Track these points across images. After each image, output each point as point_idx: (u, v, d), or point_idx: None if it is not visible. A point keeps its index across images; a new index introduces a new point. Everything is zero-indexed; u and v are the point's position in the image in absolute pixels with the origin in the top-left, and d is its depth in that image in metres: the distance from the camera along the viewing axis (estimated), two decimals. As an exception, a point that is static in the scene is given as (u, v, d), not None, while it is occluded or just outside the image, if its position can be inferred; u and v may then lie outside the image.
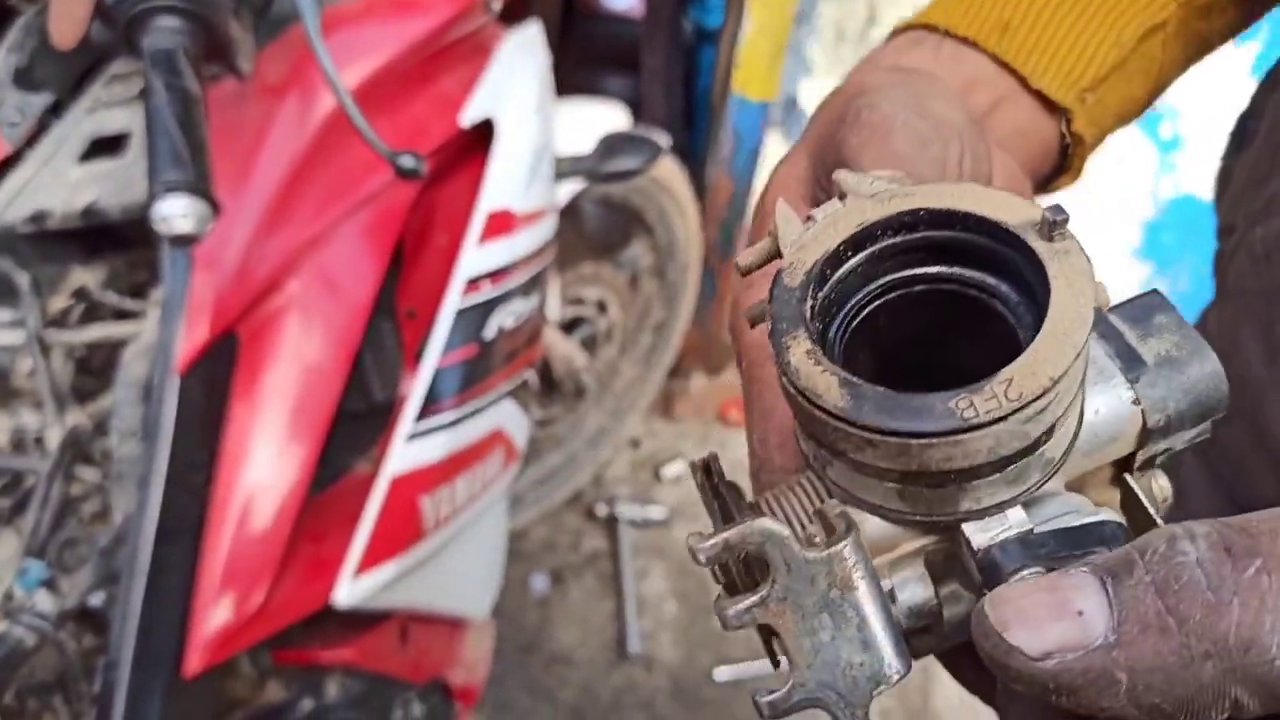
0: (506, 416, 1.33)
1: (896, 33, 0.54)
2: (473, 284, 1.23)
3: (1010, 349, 0.29)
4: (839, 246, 0.32)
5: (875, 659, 0.30)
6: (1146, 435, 0.33)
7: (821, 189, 0.44)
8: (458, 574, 1.32)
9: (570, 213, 1.92)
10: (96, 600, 1.02)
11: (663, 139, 1.62)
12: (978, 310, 0.32)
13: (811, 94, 2.52)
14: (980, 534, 0.30)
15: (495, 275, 1.26)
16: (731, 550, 0.30)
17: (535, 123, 1.32)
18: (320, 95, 1.08)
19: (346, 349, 1.11)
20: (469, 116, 1.23)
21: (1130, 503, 0.34)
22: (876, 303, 0.33)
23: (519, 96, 1.30)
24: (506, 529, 1.50)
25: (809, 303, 0.31)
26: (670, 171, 2.11)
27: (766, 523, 0.30)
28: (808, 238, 0.33)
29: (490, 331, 1.25)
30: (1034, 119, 0.51)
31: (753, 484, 0.41)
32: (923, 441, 0.28)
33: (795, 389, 0.30)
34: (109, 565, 1.01)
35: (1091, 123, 0.52)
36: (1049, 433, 0.29)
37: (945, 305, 0.33)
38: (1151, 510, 0.32)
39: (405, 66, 1.17)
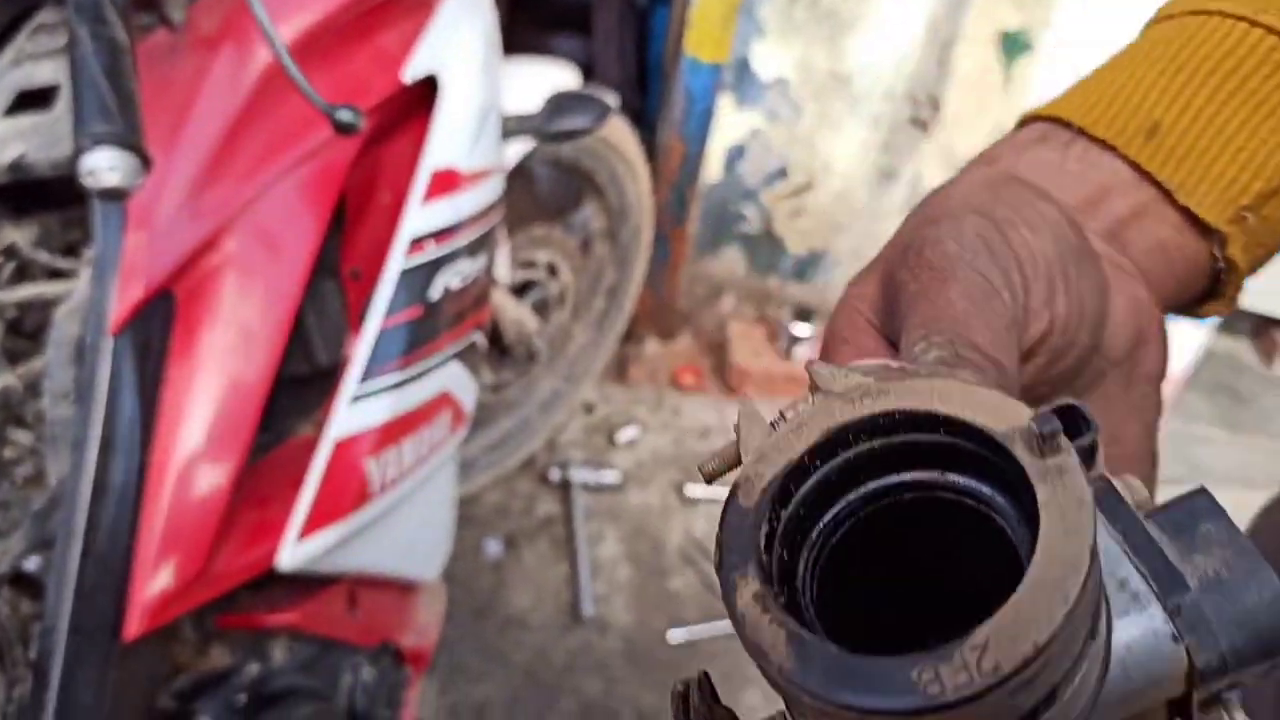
0: (453, 379, 1.32)
1: (1024, 122, 0.46)
2: (417, 244, 1.21)
3: (1014, 570, 0.24)
4: (803, 456, 0.28)
5: None
6: (1197, 675, 0.28)
7: (892, 315, 0.38)
8: (406, 537, 1.31)
9: (521, 175, 1.90)
10: (32, 565, 1.00)
11: (611, 99, 1.60)
12: (977, 522, 0.28)
13: (763, 56, 2.51)
14: None
15: (440, 235, 1.24)
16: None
17: (480, 79, 1.30)
18: (256, 48, 1.05)
19: (286, 309, 1.09)
20: (411, 72, 1.21)
21: None
22: (859, 515, 0.29)
23: (463, 52, 1.28)
24: (456, 492, 1.49)
25: (765, 528, 0.27)
26: (621, 133, 2.10)
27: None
28: (769, 445, 0.28)
29: (436, 292, 1.24)
30: (1180, 237, 0.43)
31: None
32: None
33: (742, 641, 0.26)
34: (44, 529, 0.99)
35: (1250, 246, 0.44)
36: (1050, 698, 0.24)
37: (939, 516, 0.28)
38: None
39: (344, 20, 1.14)
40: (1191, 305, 0.47)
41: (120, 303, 0.97)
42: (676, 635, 2.04)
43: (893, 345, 0.38)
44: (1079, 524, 0.24)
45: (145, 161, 0.80)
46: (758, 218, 2.78)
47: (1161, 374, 0.43)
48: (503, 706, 1.87)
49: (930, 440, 0.27)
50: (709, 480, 0.33)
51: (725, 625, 2.07)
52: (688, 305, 2.91)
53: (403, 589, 1.38)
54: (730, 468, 0.31)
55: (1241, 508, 0.53)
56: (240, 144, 1.07)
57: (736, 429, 0.30)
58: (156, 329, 1.02)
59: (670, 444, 2.52)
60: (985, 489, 0.27)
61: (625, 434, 2.51)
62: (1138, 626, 0.27)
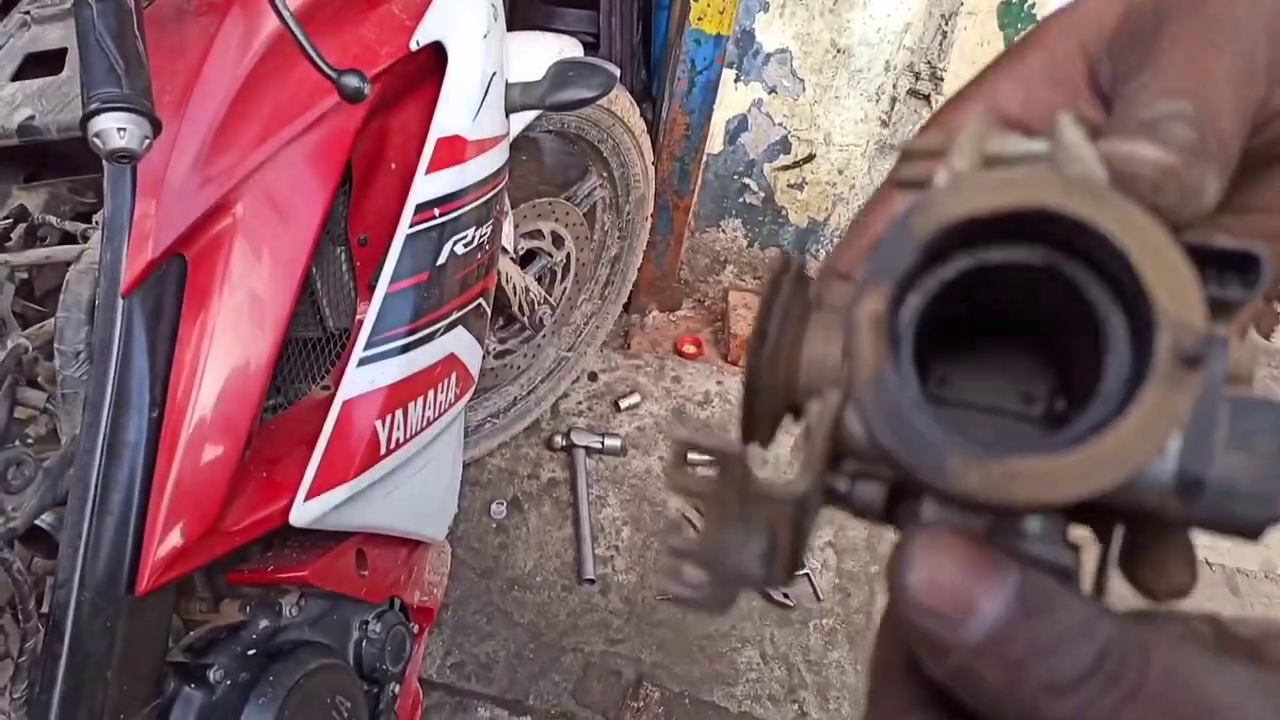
0: (460, 343, 1.34)
1: None
2: (424, 210, 1.23)
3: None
4: (990, 215, 0.27)
5: (764, 572, 0.31)
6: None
7: (1125, 50, 0.33)
8: (414, 496, 1.33)
9: (526, 146, 1.91)
10: (46, 521, 1.03)
11: (614, 69, 1.61)
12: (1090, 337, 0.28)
13: (766, 28, 2.51)
14: None
15: (446, 202, 1.26)
16: (703, 446, 0.30)
17: (486, 48, 1.31)
18: (263, 13, 1.06)
19: (294, 273, 1.11)
20: (419, 39, 1.22)
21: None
22: (998, 270, 0.29)
23: (470, 20, 1.29)
24: (461, 454, 1.52)
25: (920, 259, 0.27)
26: (625, 105, 2.11)
27: (736, 445, 0.30)
28: (973, 181, 0.27)
29: (442, 258, 1.26)
30: None
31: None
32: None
33: (845, 337, 0.28)
34: (57, 486, 1.01)
35: None
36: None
37: (1061, 294, 0.29)
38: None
39: (352, -14, 1.16)
40: None
41: (131, 264, 0.99)
42: (677, 599, 2.07)
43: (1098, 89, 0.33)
44: (1159, 434, 0.25)
45: (154, 124, 0.82)
46: (759, 189, 2.79)
47: None
48: (507, 663, 1.90)
49: (1102, 264, 0.27)
50: (904, 155, 0.31)
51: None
52: (690, 276, 2.93)
53: (410, 547, 1.41)
54: (930, 156, 0.31)
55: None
56: (248, 110, 1.08)
57: (960, 128, 0.29)
58: (169, 290, 1.03)
59: (671, 411, 2.55)
60: (1118, 323, 0.28)
61: (628, 401, 2.53)
62: (1150, 470, 0.28)
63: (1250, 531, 0.29)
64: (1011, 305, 0.31)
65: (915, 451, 0.26)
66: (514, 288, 1.97)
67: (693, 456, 0.31)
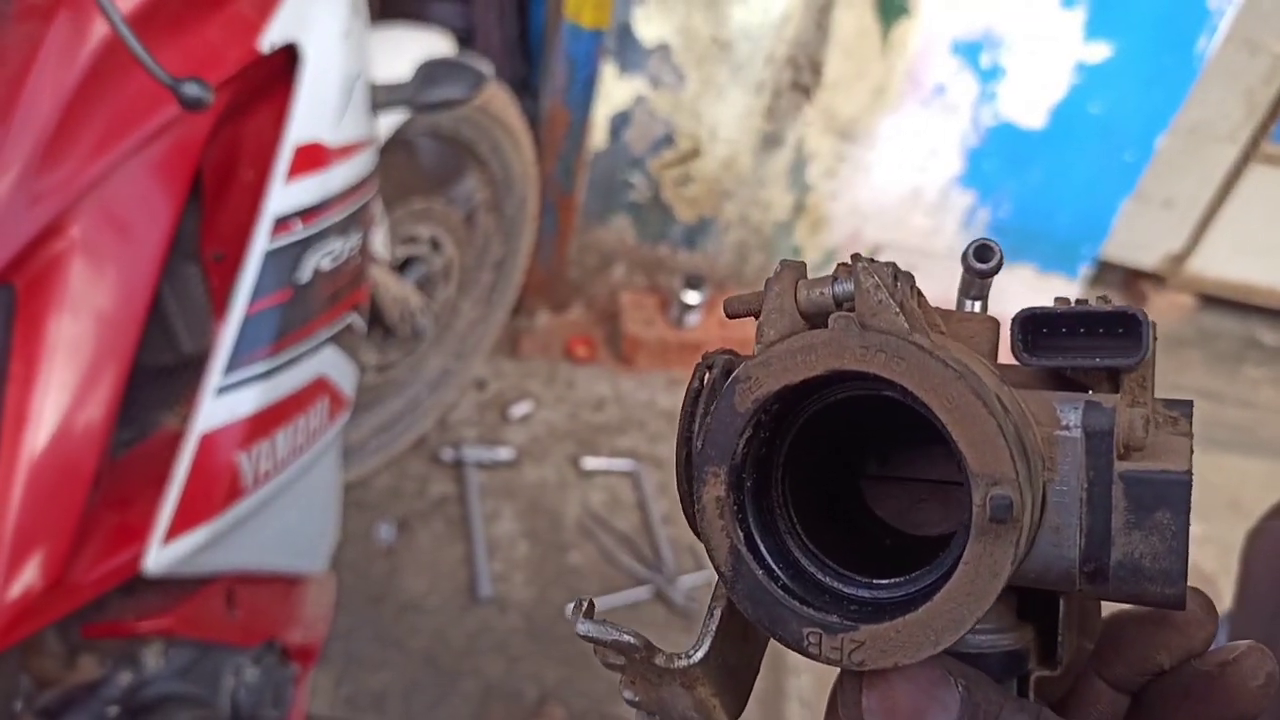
0: (330, 363, 1.26)
1: None
2: (283, 223, 1.15)
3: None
4: (801, 383, 0.29)
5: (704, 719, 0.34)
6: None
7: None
8: (286, 531, 1.25)
9: (399, 147, 1.84)
10: None
11: (487, 66, 1.55)
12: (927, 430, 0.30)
13: (645, 21, 2.48)
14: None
15: (307, 213, 1.18)
16: (603, 642, 0.34)
17: (344, 48, 1.24)
18: (93, 17, 0.98)
19: (141, 295, 1.02)
20: (269, 40, 1.14)
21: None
22: (821, 413, 0.32)
23: (326, 18, 1.22)
24: (340, 480, 1.44)
25: (748, 434, 0.30)
26: (502, 102, 2.04)
27: (631, 638, 0.33)
28: (779, 352, 0.29)
29: (305, 274, 1.18)
30: None
31: None
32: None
33: (693, 526, 0.31)
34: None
35: None
36: None
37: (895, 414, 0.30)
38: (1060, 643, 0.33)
39: (192, -15, 1.07)
40: None
41: (-50, 296, 0.90)
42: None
43: None
44: (982, 592, 0.27)
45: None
46: (645, 186, 2.76)
47: None
48: (401, 694, 1.83)
49: (922, 425, 0.29)
50: (730, 316, 0.35)
51: (626, 597, 2.07)
52: (578, 276, 2.88)
53: (286, 584, 1.33)
54: (751, 314, 0.34)
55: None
56: (80, 122, 0.99)
57: (768, 285, 0.32)
58: (-7, 324, 0.94)
59: (565, 417, 2.50)
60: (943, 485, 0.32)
61: (518, 409, 2.47)
62: (1049, 557, 0.30)
63: (1169, 605, 0.30)
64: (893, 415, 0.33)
65: (775, 626, 0.29)
66: (390, 298, 1.89)
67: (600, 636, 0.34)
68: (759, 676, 0.36)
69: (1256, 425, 3.14)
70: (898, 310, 0.29)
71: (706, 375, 0.34)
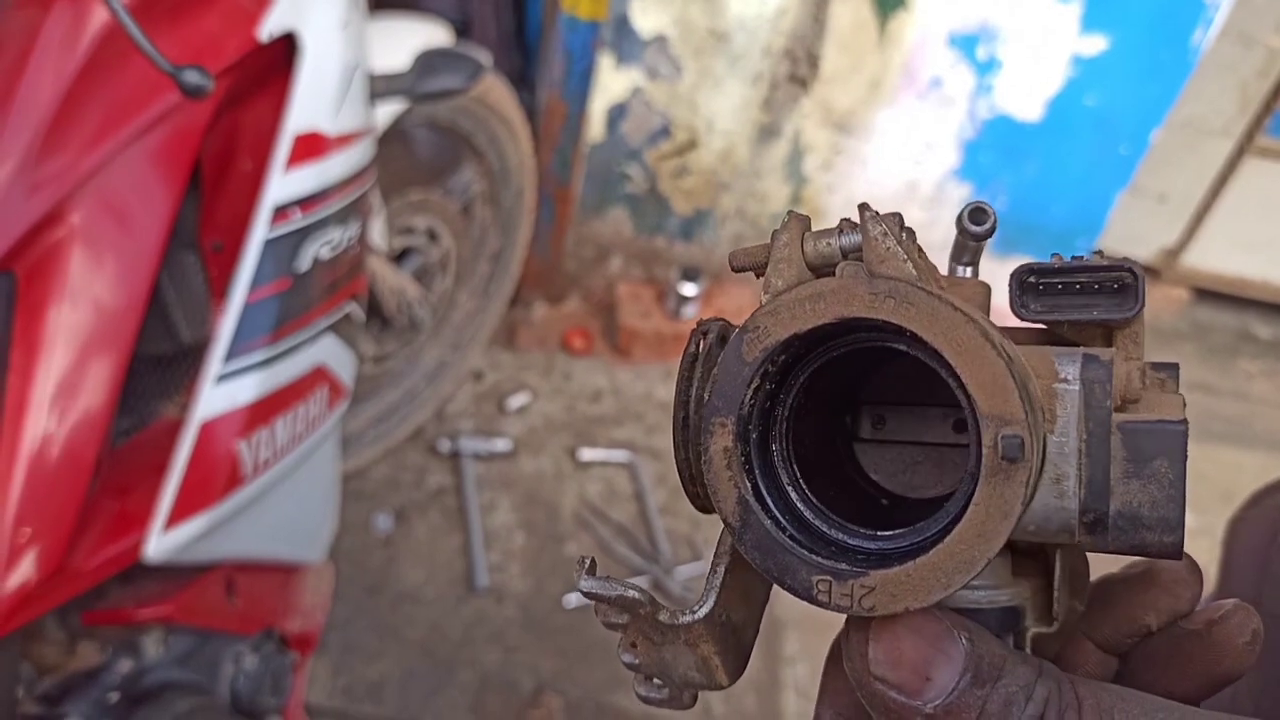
0: (328, 352, 1.27)
1: None
2: (282, 212, 1.15)
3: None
4: (811, 330, 0.29)
5: (706, 678, 0.35)
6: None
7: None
8: (285, 520, 1.26)
9: (396, 138, 1.84)
10: None
11: (485, 57, 1.55)
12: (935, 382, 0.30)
13: (642, 13, 2.48)
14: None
15: (306, 202, 1.18)
16: (606, 598, 0.33)
17: (343, 38, 1.24)
18: (92, 4, 0.98)
19: (140, 283, 1.02)
20: (268, 29, 1.14)
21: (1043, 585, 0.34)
22: (831, 359, 0.32)
23: (323, 9, 1.22)
24: (339, 469, 1.44)
25: (755, 383, 0.30)
26: (499, 93, 2.04)
27: (635, 593, 0.33)
28: (787, 301, 0.29)
29: (304, 263, 1.18)
30: None
31: None
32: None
33: (689, 491, 0.32)
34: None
35: None
36: None
37: (899, 363, 0.31)
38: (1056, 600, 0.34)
39: (191, -26, 1.07)
40: None
41: (-50, 285, 0.90)
42: (573, 600, 2.03)
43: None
44: (993, 532, 0.27)
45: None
46: (642, 178, 2.76)
47: None
48: (398, 683, 1.83)
49: (918, 387, 0.30)
50: (736, 269, 0.35)
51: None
52: (575, 267, 2.88)
53: (285, 572, 1.33)
54: (755, 269, 0.34)
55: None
56: (80, 110, 0.99)
57: (774, 236, 0.32)
58: (-6, 311, 0.94)
59: (562, 409, 2.50)
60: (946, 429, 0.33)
61: (515, 400, 2.47)
62: (1049, 508, 0.31)
63: (1168, 554, 0.31)
64: (896, 370, 0.33)
65: (784, 575, 0.29)
66: (387, 288, 1.89)
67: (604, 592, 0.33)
68: (754, 669, 0.36)
69: (1250, 418, 3.15)
70: (905, 258, 0.29)
71: (702, 342, 0.34)
